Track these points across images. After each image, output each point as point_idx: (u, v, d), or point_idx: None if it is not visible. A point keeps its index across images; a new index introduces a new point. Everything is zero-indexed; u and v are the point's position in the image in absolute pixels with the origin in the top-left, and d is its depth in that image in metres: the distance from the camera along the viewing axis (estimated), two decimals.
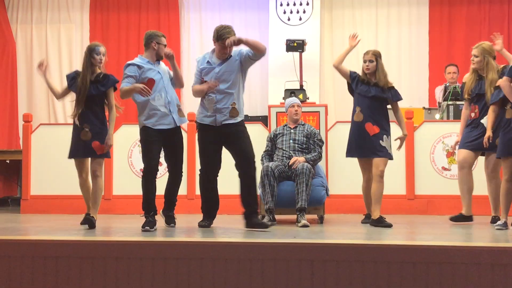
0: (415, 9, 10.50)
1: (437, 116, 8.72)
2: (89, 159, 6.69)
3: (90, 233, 6.08)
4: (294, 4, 10.03)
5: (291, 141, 7.16)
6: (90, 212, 6.62)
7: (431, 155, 8.28)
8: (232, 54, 6.50)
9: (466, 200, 6.92)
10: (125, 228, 6.60)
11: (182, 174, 6.74)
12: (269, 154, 7.26)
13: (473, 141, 6.86)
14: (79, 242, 5.41)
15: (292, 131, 7.23)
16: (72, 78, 6.72)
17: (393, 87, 6.94)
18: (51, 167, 8.60)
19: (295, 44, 9.09)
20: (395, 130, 7.04)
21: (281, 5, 10.03)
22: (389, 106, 7.01)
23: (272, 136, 7.31)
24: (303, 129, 7.22)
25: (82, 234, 5.95)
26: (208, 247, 5.16)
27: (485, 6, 10.35)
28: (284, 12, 10.06)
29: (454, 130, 8.16)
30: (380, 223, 6.63)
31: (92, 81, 6.57)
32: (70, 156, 6.78)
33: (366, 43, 10.40)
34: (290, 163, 6.97)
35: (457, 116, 8.51)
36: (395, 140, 6.95)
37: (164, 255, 5.09)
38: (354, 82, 7.05)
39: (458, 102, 8.56)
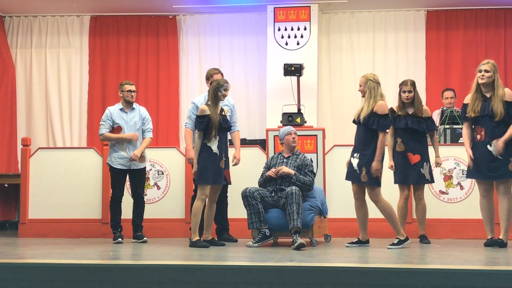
0: (412, 34, 10.57)
1: None
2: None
3: (87, 257, 6.08)
4: (292, 29, 10.10)
5: None
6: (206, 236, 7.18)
7: None
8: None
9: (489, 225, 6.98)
10: (122, 251, 6.60)
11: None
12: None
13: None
14: (75, 265, 5.40)
15: (285, 160, 7.34)
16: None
17: (430, 117, 7.48)
18: (49, 191, 8.60)
19: (293, 68, 9.13)
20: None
21: (279, 30, 10.11)
22: None
23: (269, 164, 7.43)
24: (296, 159, 7.32)
25: (79, 257, 5.94)
26: (205, 270, 5.15)
27: (481, 31, 10.42)
28: (282, 37, 10.12)
29: (451, 154, 8.20)
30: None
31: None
32: (214, 183, 7.02)
33: (364, 68, 10.50)
34: (275, 170, 7.12)
35: (454, 140, 8.55)
36: (435, 166, 7.64)
37: (156, 278, 5.09)
38: (393, 120, 7.44)
39: (455, 126, 8.60)
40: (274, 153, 8.00)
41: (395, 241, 6.82)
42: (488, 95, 6.83)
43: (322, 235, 7.57)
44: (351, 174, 6.95)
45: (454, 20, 10.50)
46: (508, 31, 10.38)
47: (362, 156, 6.84)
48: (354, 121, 7.08)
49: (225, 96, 7.12)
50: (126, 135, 7.86)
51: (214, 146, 6.94)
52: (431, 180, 7.53)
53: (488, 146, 6.79)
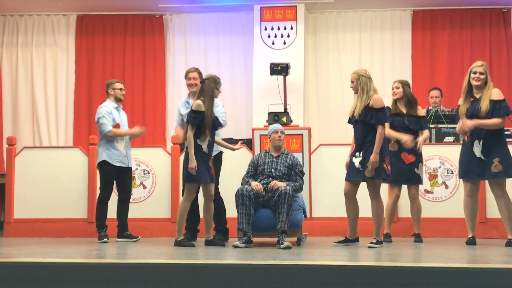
0: (398, 34, 10.62)
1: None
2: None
3: (72, 255, 6.06)
4: (279, 29, 10.12)
5: (272, 170, 7.10)
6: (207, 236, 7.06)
7: None
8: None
9: (470, 224, 6.97)
10: (108, 250, 6.60)
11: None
12: (252, 176, 7.17)
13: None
14: (60, 264, 5.39)
15: (274, 159, 7.16)
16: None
17: (424, 117, 7.54)
18: (34, 190, 8.57)
19: (279, 68, 9.12)
20: None
21: (266, 29, 10.13)
22: None
23: (256, 162, 7.22)
24: (286, 158, 7.16)
25: (64, 256, 5.93)
26: (189, 269, 5.16)
27: (467, 31, 10.48)
28: (269, 36, 10.14)
29: (436, 153, 8.24)
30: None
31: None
32: (201, 181, 6.94)
33: (350, 67, 10.51)
34: (269, 186, 6.94)
35: (439, 139, 8.59)
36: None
37: (141, 277, 5.09)
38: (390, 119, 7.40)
39: (440, 125, 8.64)
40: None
41: (374, 240, 6.79)
42: (478, 96, 6.84)
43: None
44: (353, 173, 6.80)
45: (440, 20, 10.56)
46: (493, 31, 10.45)
47: (367, 153, 6.71)
48: (350, 121, 6.94)
49: (219, 93, 7.07)
50: (135, 131, 7.82)
51: (204, 145, 6.85)
52: (422, 181, 7.60)
53: (474, 146, 6.82)
